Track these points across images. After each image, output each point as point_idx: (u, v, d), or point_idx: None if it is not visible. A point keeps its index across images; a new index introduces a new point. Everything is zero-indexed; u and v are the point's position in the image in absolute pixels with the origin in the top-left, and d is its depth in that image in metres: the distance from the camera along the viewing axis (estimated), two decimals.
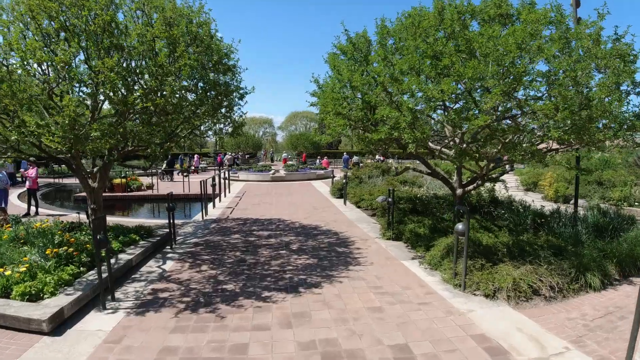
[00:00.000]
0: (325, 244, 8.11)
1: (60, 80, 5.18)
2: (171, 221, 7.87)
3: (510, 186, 11.19)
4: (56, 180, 23.58)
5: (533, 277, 5.26)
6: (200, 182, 11.61)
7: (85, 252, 6.13)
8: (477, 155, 5.75)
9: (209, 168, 32.69)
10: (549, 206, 10.31)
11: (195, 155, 33.59)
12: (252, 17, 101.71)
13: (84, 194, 19.33)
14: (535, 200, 12.74)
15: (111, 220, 9.84)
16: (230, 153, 35.70)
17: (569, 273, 5.49)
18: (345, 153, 31.39)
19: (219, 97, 6.74)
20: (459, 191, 8.80)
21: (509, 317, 4.61)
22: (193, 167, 29.27)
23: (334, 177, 17.60)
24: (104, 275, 4.96)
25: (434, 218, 8.85)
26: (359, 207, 13.11)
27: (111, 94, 4.84)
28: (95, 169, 6.67)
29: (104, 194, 18.73)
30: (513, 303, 4.96)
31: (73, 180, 23.36)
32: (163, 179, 22.20)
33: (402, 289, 5.56)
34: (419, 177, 17.35)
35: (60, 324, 4.47)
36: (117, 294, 5.36)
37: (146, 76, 5.21)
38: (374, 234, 9.06)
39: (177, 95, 5.39)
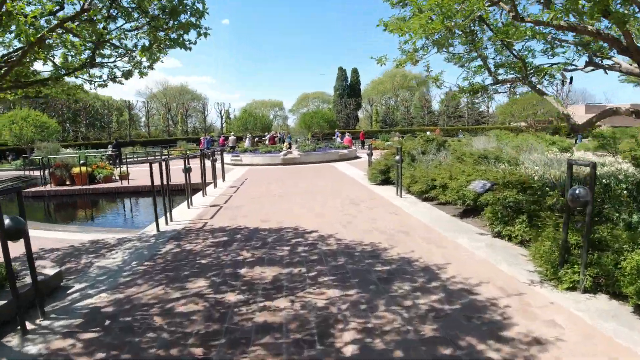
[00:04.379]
0: (433, 326, 2.98)
1: None
2: (10, 265, 2.87)
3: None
4: None
5: None
6: (150, 164, 6.39)
7: None
8: None
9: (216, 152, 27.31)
10: None
11: (202, 138, 28.73)
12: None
13: None
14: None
15: None
16: (233, 134, 30.55)
17: None
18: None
19: None
20: None
21: None
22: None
23: (371, 154, 12.33)
24: None
25: None
26: (425, 199, 7.94)
27: None
28: None
29: (60, 188, 13.88)
30: None
31: (5, 172, 18.90)
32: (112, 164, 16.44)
33: None
34: (492, 153, 11.98)
35: None
36: None
37: None
38: (520, 271, 3.93)
39: None
